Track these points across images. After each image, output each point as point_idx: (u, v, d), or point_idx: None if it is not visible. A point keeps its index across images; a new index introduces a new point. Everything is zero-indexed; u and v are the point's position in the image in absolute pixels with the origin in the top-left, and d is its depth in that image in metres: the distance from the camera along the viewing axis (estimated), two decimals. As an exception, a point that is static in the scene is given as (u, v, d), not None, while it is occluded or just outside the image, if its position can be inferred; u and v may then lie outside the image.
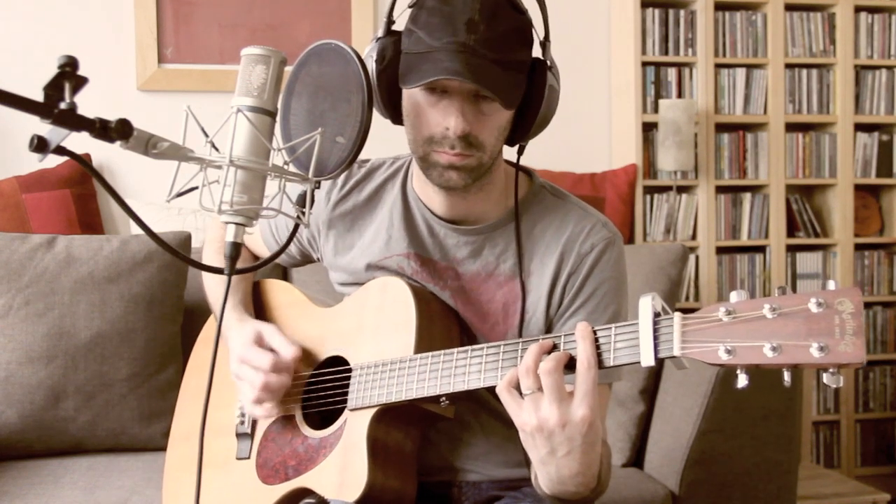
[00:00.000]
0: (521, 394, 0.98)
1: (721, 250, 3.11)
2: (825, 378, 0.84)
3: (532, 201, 1.26)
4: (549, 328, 1.23)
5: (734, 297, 0.89)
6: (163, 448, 2.05)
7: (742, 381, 0.88)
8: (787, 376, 0.86)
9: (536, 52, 1.21)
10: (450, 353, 1.10)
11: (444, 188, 1.19)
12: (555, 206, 1.26)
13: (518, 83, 1.15)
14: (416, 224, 1.28)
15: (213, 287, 1.48)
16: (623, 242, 1.27)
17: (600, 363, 0.96)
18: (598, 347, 0.97)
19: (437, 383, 1.10)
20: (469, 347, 1.09)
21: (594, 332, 0.97)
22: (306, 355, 1.30)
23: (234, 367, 1.28)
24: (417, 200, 1.28)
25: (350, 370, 1.22)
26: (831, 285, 0.84)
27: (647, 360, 0.92)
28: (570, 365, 0.98)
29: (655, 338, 0.92)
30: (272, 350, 1.27)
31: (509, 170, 1.27)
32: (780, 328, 0.84)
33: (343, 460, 1.16)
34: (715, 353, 0.87)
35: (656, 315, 0.93)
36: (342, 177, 1.33)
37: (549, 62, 1.19)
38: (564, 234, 1.23)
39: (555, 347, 1.00)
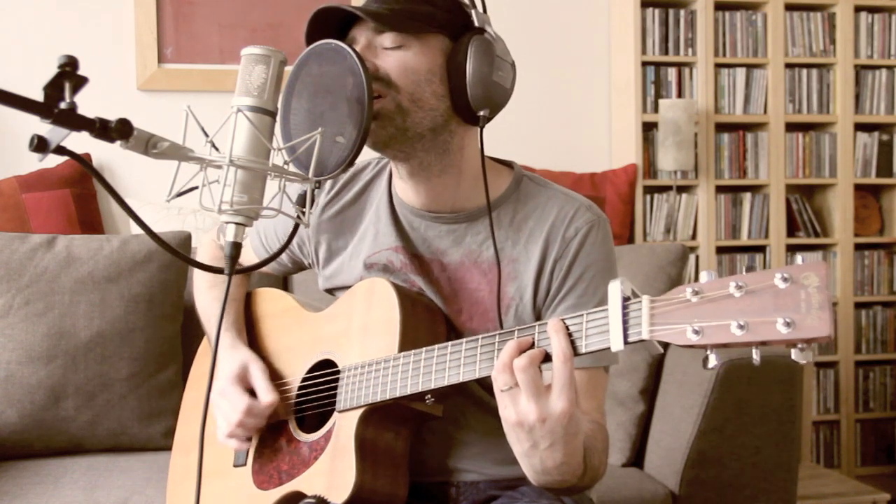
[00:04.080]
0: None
1: (721, 250, 3.12)
2: (794, 354, 0.82)
3: (514, 189, 1.26)
4: (538, 315, 1.23)
5: (704, 276, 0.88)
6: (163, 448, 2.06)
7: (712, 361, 0.86)
8: (755, 355, 0.85)
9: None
10: (430, 350, 1.10)
11: (378, 148, 1.18)
12: (537, 192, 1.26)
13: (405, 17, 1.15)
14: (399, 220, 1.28)
15: (205, 307, 1.47)
16: (610, 225, 1.26)
17: (574, 351, 0.96)
18: (570, 338, 0.96)
19: (418, 381, 1.10)
20: (448, 343, 1.09)
21: (566, 325, 0.97)
22: (298, 360, 1.31)
23: (215, 398, 1.30)
24: (397, 197, 1.29)
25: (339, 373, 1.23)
26: (799, 260, 0.83)
27: (617, 345, 0.91)
28: (547, 358, 0.98)
29: (625, 322, 0.91)
30: (252, 391, 1.28)
31: (489, 162, 1.27)
32: (747, 305, 0.83)
33: (332, 463, 1.17)
34: (683, 335, 0.86)
35: (626, 299, 0.92)
36: (329, 181, 1.33)
37: (483, 28, 1.17)
38: (548, 220, 1.22)
39: (534, 343, 1.00)
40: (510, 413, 0.97)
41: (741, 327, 0.83)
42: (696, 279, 3.13)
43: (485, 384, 1.24)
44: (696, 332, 0.85)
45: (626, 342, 0.91)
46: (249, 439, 1.30)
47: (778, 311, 0.81)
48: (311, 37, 1.14)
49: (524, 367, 0.95)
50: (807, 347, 0.81)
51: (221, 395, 1.29)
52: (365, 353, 1.19)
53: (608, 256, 1.24)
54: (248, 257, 1.48)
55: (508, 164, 1.30)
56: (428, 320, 1.21)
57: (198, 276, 1.52)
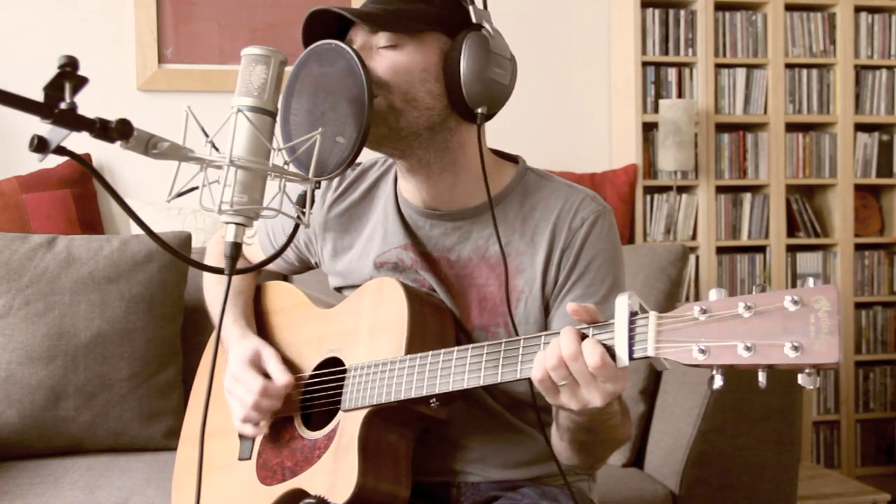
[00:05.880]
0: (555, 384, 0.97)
1: (721, 250, 3.12)
2: (800, 379, 0.80)
3: (518, 183, 1.26)
4: (546, 306, 1.23)
5: (713, 295, 0.86)
6: (163, 448, 2.06)
7: (718, 381, 0.85)
8: (762, 377, 0.83)
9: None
10: (437, 354, 1.10)
11: (372, 147, 1.17)
12: (541, 186, 1.26)
13: (399, 17, 1.15)
14: (406, 219, 1.28)
15: (213, 301, 1.48)
16: (614, 215, 1.26)
17: None
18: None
19: (423, 384, 1.10)
20: (455, 349, 1.09)
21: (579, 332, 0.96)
22: (306, 356, 1.31)
23: (228, 383, 1.29)
24: (402, 196, 1.29)
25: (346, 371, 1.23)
26: (810, 283, 0.81)
27: (622, 361, 0.91)
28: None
29: (631, 337, 0.90)
30: (266, 374, 1.28)
31: (492, 157, 1.27)
32: (756, 327, 0.82)
33: (335, 462, 1.17)
34: (689, 354, 0.85)
35: (633, 314, 0.91)
36: (336, 179, 1.33)
37: (481, 24, 1.17)
38: (554, 212, 1.23)
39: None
40: (573, 404, 0.97)
41: (748, 349, 0.81)
42: (697, 280, 3.14)
43: (490, 389, 1.24)
44: (703, 352, 0.84)
45: (631, 358, 0.90)
46: (264, 424, 1.28)
47: (786, 334, 0.80)
48: (308, 39, 1.15)
49: (574, 355, 0.93)
50: (814, 372, 0.80)
51: (235, 379, 1.28)
52: (372, 352, 1.19)
53: (614, 246, 1.24)
54: (256, 254, 1.49)
55: (513, 159, 1.30)
56: (436, 321, 1.21)
57: (206, 273, 1.53)
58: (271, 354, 1.29)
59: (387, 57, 1.15)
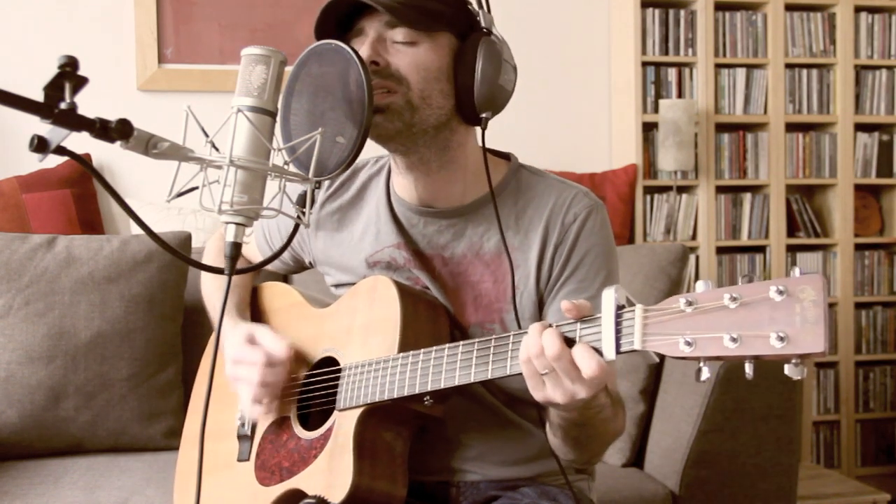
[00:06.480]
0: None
1: (721, 250, 3.12)
2: (787, 370, 0.79)
3: (511, 180, 1.27)
4: (540, 301, 1.23)
5: (700, 286, 0.85)
6: (163, 448, 2.06)
7: (705, 373, 0.84)
8: (748, 369, 0.82)
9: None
10: (429, 352, 1.10)
11: (381, 141, 1.18)
12: (534, 182, 1.27)
13: (420, 14, 1.15)
14: (399, 217, 1.29)
15: (211, 295, 1.48)
16: (606, 210, 1.27)
17: None
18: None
19: (416, 382, 1.10)
20: (446, 346, 1.09)
21: (560, 333, 0.95)
22: (302, 356, 1.31)
23: (230, 369, 1.29)
24: (395, 194, 1.29)
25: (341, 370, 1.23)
26: (796, 272, 0.80)
27: (609, 355, 0.90)
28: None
29: (618, 332, 0.90)
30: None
31: (488, 156, 1.27)
32: (741, 318, 0.81)
33: (331, 461, 1.17)
34: (676, 346, 0.84)
35: (619, 307, 0.91)
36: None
37: (487, 29, 1.18)
38: (547, 208, 1.23)
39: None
40: (559, 396, 0.96)
41: (734, 340, 0.81)
42: (696, 280, 3.14)
43: (487, 385, 1.25)
44: (689, 344, 0.83)
45: (618, 352, 0.90)
46: (271, 404, 1.27)
47: (772, 324, 0.79)
48: (321, 26, 1.15)
49: (557, 354, 0.93)
50: (801, 363, 0.79)
51: (236, 363, 1.27)
52: (366, 351, 1.20)
53: (607, 240, 1.24)
54: (252, 253, 1.49)
55: (505, 157, 1.31)
56: (430, 318, 1.21)
57: (205, 260, 1.53)
58: (265, 331, 1.29)
59: (406, 53, 1.15)
